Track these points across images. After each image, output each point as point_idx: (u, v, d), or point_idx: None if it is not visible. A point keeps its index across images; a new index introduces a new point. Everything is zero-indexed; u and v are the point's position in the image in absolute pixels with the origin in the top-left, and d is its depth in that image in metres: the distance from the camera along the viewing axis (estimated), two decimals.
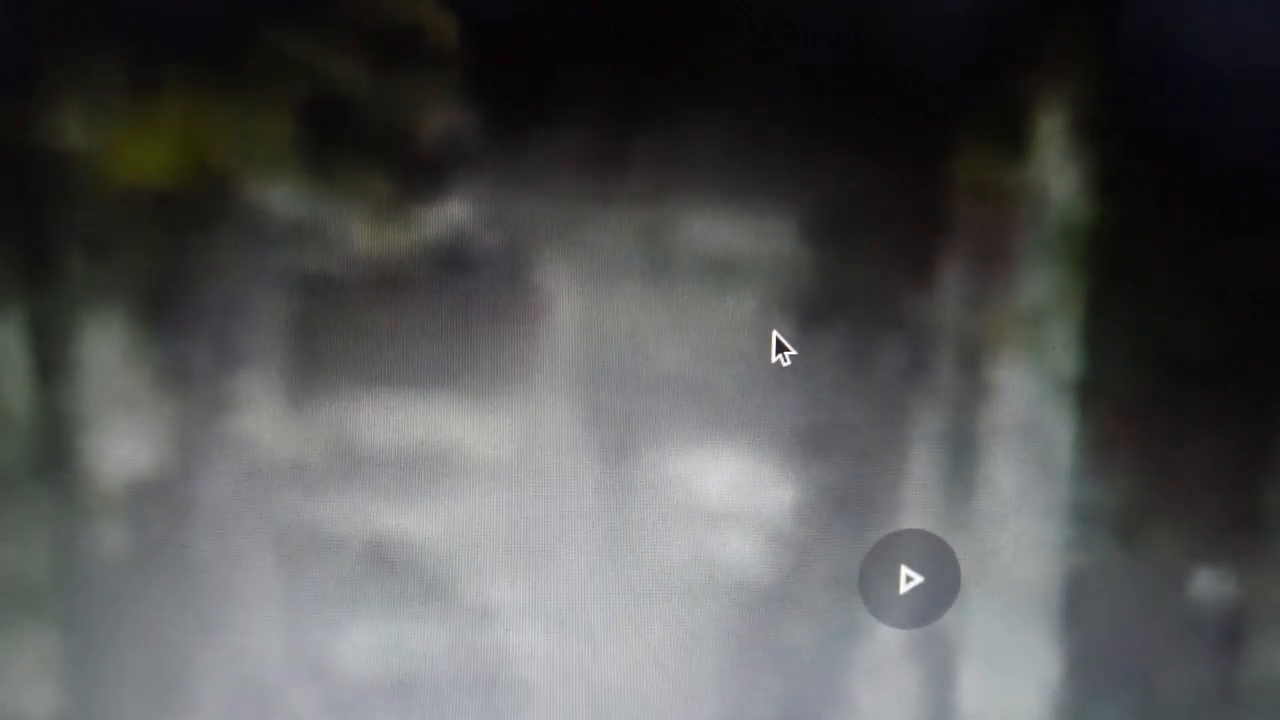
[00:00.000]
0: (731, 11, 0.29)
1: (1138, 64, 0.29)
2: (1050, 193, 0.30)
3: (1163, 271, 0.30)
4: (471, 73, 0.29)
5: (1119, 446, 0.31)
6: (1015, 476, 0.31)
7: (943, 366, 0.31)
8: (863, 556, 0.31)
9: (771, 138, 0.29)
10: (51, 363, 0.29)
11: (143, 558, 0.30)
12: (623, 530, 0.31)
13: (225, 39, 0.28)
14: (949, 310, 0.30)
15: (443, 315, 0.29)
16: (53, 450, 0.29)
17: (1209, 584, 0.32)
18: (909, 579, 0.31)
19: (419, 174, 0.29)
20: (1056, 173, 0.30)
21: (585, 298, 0.30)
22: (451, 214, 0.29)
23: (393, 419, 0.30)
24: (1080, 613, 0.32)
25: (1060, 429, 0.31)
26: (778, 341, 0.30)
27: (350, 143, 0.29)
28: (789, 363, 0.30)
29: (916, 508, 0.31)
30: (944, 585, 0.32)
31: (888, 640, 0.32)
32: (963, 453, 0.31)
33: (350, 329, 0.29)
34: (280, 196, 0.29)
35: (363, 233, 0.29)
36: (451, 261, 0.29)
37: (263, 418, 0.30)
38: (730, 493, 0.31)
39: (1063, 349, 0.31)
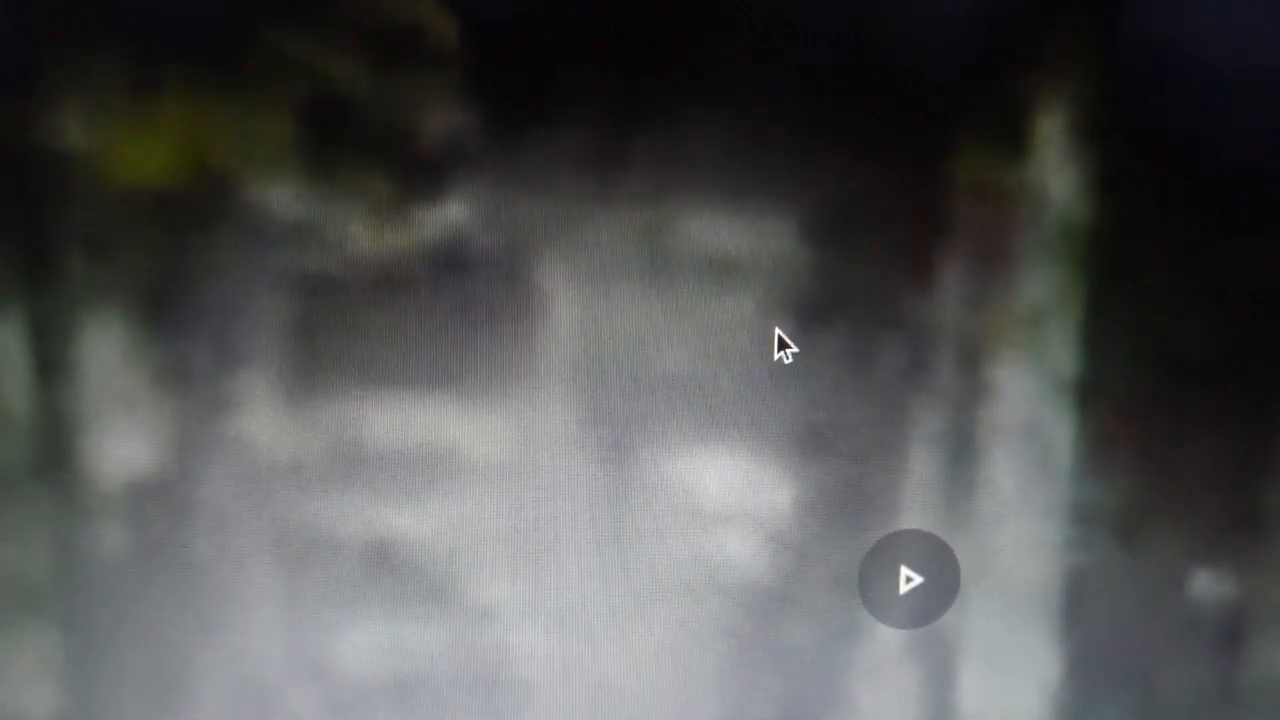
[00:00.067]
0: (731, 11, 0.29)
1: (1138, 64, 0.29)
2: (1050, 193, 0.30)
3: (1163, 271, 0.30)
4: (471, 73, 0.29)
5: (1119, 446, 0.31)
6: (1015, 476, 0.31)
7: (943, 366, 0.31)
8: (862, 557, 0.31)
9: (771, 138, 0.29)
10: (51, 363, 0.29)
11: (143, 558, 0.30)
12: (622, 530, 0.31)
13: (225, 39, 0.28)
14: (949, 310, 0.30)
15: (442, 315, 0.29)
16: (53, 450, 0.29)
17: (1209, 584, 0.32)
18: (909, 579, 0.31)
19: (419, 174, 0.29)
20: (1056, 173, 0.30)
21: (585, 298, 0.30)
22: (451, 214, 0.29)
23: (392, 419, 0.30)
24: (1080, 613, 0.32)
25: (1060, 429, 0.31)
26: (780, 339, 0.30)
27: (350, 143, 0.29)
28: (791, 360, 0.30)
29: (916, 508, 0.31)
30: (944, 585, 0.32)
31: (888, 640, 0.32)
32: (963, 453, 0.31)
33: (350, 329, 0.29)
34: (280, 197, 0.29)
35: (362, 233, 0.29)
36: (451, 262, 0.29)
37: (262, 418, 0.30)
38: (730, 493, 0.31)
39: (1063, 349, 0.31)
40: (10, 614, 0.30)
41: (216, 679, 0.31)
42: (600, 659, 0.31)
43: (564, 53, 0.29)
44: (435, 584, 0.31)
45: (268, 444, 0.30)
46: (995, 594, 0.32)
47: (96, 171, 0.28)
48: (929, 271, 0.30)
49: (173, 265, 0.29)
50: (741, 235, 0.30)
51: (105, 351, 0.29)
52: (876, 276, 0.30)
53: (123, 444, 0.29)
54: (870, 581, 0.31)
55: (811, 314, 0.30)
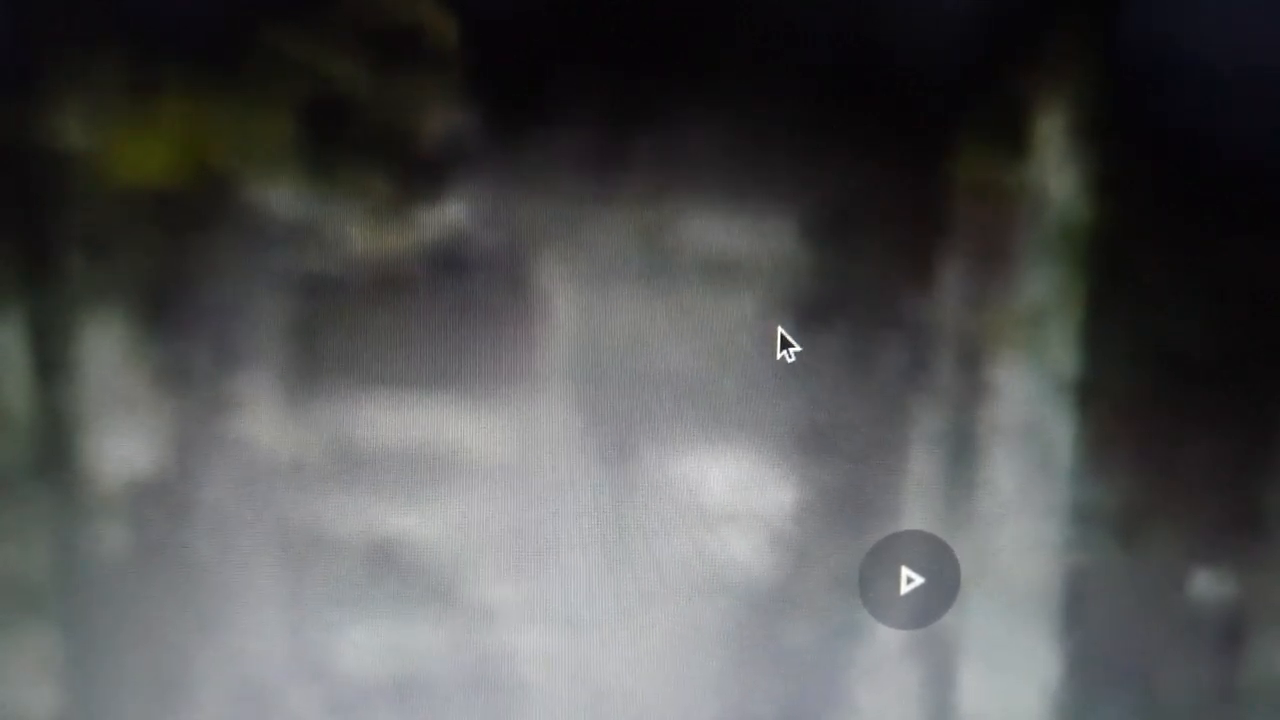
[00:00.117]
0: (731, 11, 0.29)
1: (1138, 64, 0.29)
2: (1050, 193, 0.30)
3: (1163, 271, 0.30)
4: (471, 73, 0.29)
5: (1119, 446, 0.31)
6: (1015, 477, 0.31)
7: (943, 366, 0.31)
8: (863, 557, 0.31)
9: (771, 138, 0.29)
10: (51, 363, 0.29)
11: (143, 558, 0.30)
12: (623, 531, 0.31)
13: (225, 39, 0.28)
14: (949, 310, 0.30)
15: (443, 316, 0.29)
16: (53, 450, 0.29)
17: (1209, 584, 0.32)
18: (909, 580, 0.31)
19: (419, 174, 0.29)
20: (1056, 173, 0.30)
21: (585, 298, 0.30)
22: (451, 214, 0.29)
23: (393, 419, 0.30)
24: (1080, 613, 0.32)
25: (1060, 429, 0.31)
26: (782, 337, 0.30)
27: (350, 143, 0.29)
28: (793, 359, 0.30)
29: (917, 508, 0.31)
30: (944, 586, 0.32)
31: (888, 641, 0.32)
32: (963, 453, 0.31)
33: (351, 329, 0.29)
34: (280, 197, 0.29)
35: (362, 233, 0.29)
36: (451, 262, 0.29)
37: (263, 418, 0.30)
38: (731, 493, 0.31)
39: (1063, 349, 0.31)
40: (10, 614, 0.30)
41: (216, 679, 0.31)
42: (601, 659, 0.31)
43: (564, 53, 0.29)
44: (436, 584, 0.31)
45: (268, 444, 0.30)
46: (995, 594, 0.32)
47: (96, 171, 0.28)
48: (929, 271, 0.30)
49: (173, 265, 0.29)
50: (742, 235, 0.30)
51: (105, 351, 0.29)
52: (877, 276, 0.30)
53: (123, 444, 0.29)
54: (871, 582, 0.31)
55: (812, 314, 0.30)
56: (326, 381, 0.29)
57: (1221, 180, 0.30)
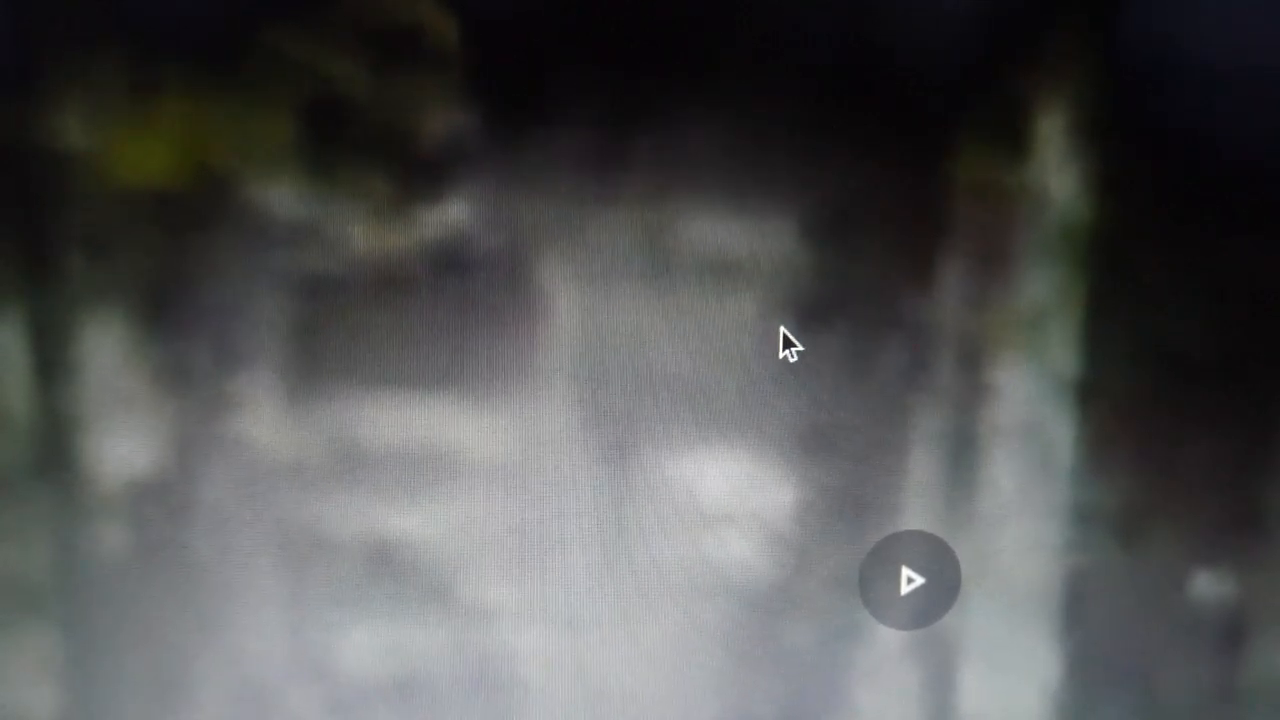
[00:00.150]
0: (731, 11, 0.29)
1: (1138, 64, 0.29)
2: (1050, 193, 0.30)
3: (1163, 271, 0.30)
4: (471, 73, 0.29)
5: (1119, 446, 0.31)
6: (1015, 477, 0.31)
7: (943, 367, 0.31)
8: (863, 557, 0.31)
9: (771, 138, 0.29)
10: (51, 363, 0.29)
11: (143, 558, 0.30)
12: (623, 531, 0.31)
13: (225, 39, 0.28)
14: (949, 310, 0.30)
15: (443, 316, 0.29)
16: (53, 450, 0.29)
17: (1209, 584, 0.32)
18: (910, 580, 0.31)
19: (419, 174, 0.29)
20: (1056, 173, 0.30)
21: (585, 298, 0.30)
22: (451, 214, 0.29)
23: (393, 419, 0.30)
24: (1080, 613, 0.32)
25: (1060, 429, 0.31)
26: (785, 337, 0.30)
27: (350, 143, 0.29)
28: (796, 358, 0.30)
29: (917, 508, 0.31)
30: (944, 586, 0.32)
31: (888, 641, 0.32)
32: (963, 453, 0.31)
33: (351, 329, 0.29)
34: (280, 197, 0.29)
35: (363, 233, 0.29)
36: (451, 262, 0.29)
37: (263, 418, 0.30)
38: (731, 493, 0.31)
39: (1063, 349, 0.31)
40: (10, 614, 0.30)
41: (216, 679, 0.31)
42: (601, 659, 0.31)
43: (564, 53, 0.29)
44: (436, 584, 0.31)
45: (268, 444, 0.30)
46: (996, 595, 0.32)
47: (96, 171, 0.28)
48: (929, 272, 0.30)
49: (173, 265, 0.29)
50: (742, 235, 0.30)
51: (105, 351, 0.29)
52: (877, 277, 0.30)
53: (123, 444, 0.29)
54: (871, 582, 0.31)
55: (812, 314, 0.30)
56: (327, 381, 0.29)
57: (1221, 180, 0.30)
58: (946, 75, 0.29)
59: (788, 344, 0.30)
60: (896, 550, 0.31)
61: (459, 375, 0.30)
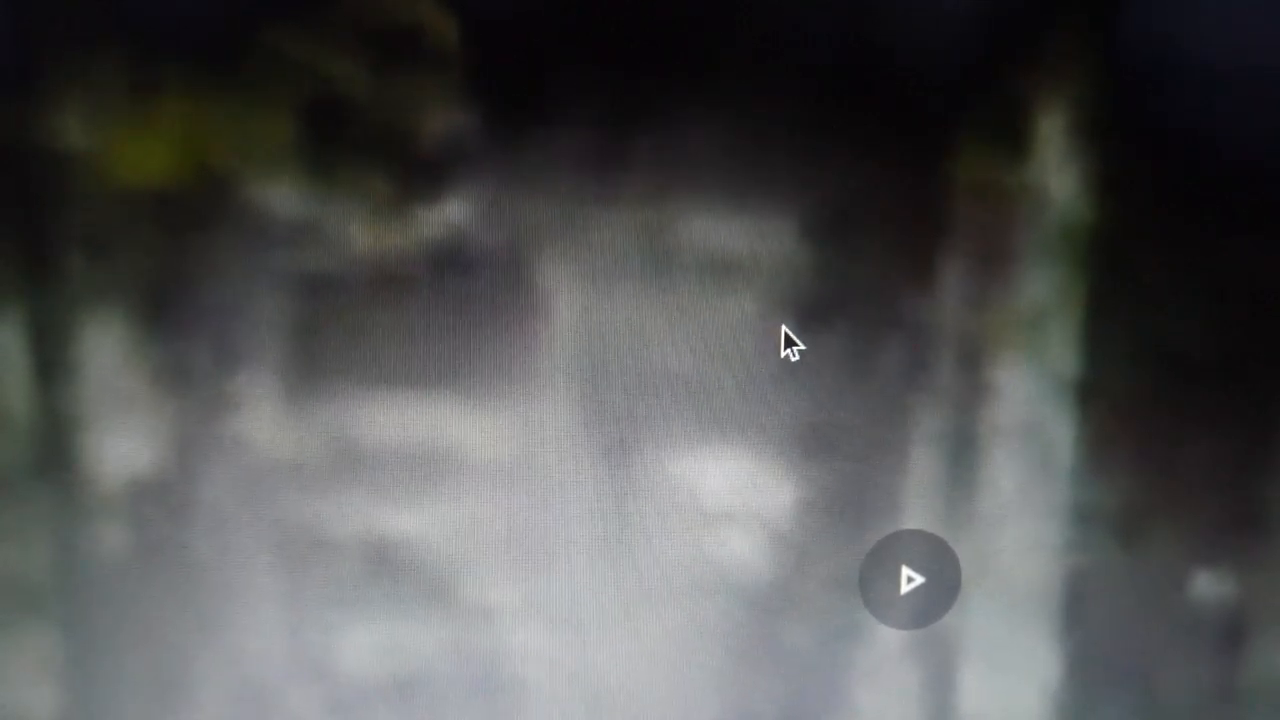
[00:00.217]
0: (731, 11, 0.29)
1: (1138, 64, 0.29)
2: (1050, 193, 0.30)
3: (1163, 271, 0.30)
4: (471, 73, 0.29)
5: (1119, 446, 0.31)
6: (1015, 477, 0.31)
7: (943, 367, 0.31)
8: (863, 557, 0.31)
9: (771, 138, 0.29)
10: (51, 363, 0.29)
11: (143, 558, 0.30)
12: (623, 530, 0.31)
13: (225, 39, 0.28)
14: (949, 310, 0.30)
15: (443, 315, 0.29)
16: (53, 450, 0.29)
17: (1209, 584, 0.32)
18: (910, 579, 0.31)
19: (419, 174, 0.29)
20: (1056, 173, 0.30)
21: (585, 298, 0.30)
22: (452, 214, 0.29)
23: (393, 419, 0.30)
24: (1080, 613, 0.32)
25: (1060, 429, 0.31)
26: (786, 336, 0.30)
27: (350, 143, 0.29)
28: (797, 358, 0.30)
29: (917, 508, 0.31)
30: (945, 586, 0.32)
31: (888, 641, 0.32)
32: (963, 453, 0.31)
33: (351, 329, 0.29)
34: (280, 196, 0.29)
35: (363, 233, 0.29)
36: (452, 262, 0.29)
37: (263, 418, 0.30)
38: (731, 493, 0.31)
39: (1063, 349, 0.31)
40: (10, 614, 0.30)
41: (216, 679, 0.31)
42: (600, 659, 0.31)
43: (564, 53, 0.29)
44: (436, 584, 0.31)
45: (268, 444, 0.30)
46: (996, 594, 0.32)
47: (96, 171, 0.28)
48: (929, 271, 0.30)
49: (173, 265, 0.29)
50: (742, 235, 0.30)
51: (105, 351, 0.29)
52: (877, 276, 0.30)
53: (123, 444, 0.29)
54: (871, 582, 0.31)
55: (812, 314, 0.30)
56: (327, 381, 0.29)
57: (1221, 180, 0.30)
58: (946, 75, 0.29)
59: (789, 343, 0.30)
60: (896, 550, 0.31)
61: (459, 375, 0.30)
